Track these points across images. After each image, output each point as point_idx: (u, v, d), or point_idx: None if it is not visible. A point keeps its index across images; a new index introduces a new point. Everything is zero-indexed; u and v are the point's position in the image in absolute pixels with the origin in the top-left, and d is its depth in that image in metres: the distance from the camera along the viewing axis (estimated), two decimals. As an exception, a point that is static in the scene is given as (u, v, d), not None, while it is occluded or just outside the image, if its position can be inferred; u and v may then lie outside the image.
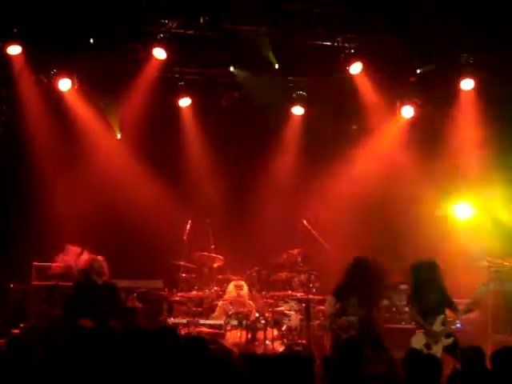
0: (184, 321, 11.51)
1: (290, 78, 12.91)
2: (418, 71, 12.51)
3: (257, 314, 11.49)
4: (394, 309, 12.38)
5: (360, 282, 10.66)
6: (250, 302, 11.81)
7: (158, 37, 11.75)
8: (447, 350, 9.96)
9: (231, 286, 11.94)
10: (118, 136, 13.18)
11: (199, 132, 13.47)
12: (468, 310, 10.39)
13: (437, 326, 10.13)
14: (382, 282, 10.97)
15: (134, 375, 6.33)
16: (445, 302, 10.36)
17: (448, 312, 10.33)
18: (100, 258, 10.86)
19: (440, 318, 10.18)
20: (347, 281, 10.79)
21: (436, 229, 12.93)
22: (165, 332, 7.22)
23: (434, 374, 6.45)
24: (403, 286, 12.05)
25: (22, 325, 11.56)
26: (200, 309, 11.90)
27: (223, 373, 6.37)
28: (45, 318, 11.37)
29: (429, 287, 10.38)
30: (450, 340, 10.10)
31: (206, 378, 6.30)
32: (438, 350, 9.90)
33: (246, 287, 11.95)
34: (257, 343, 11.34)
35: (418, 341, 10.13)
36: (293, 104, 13.21)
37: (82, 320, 10.38)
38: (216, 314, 11.87)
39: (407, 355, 6.76)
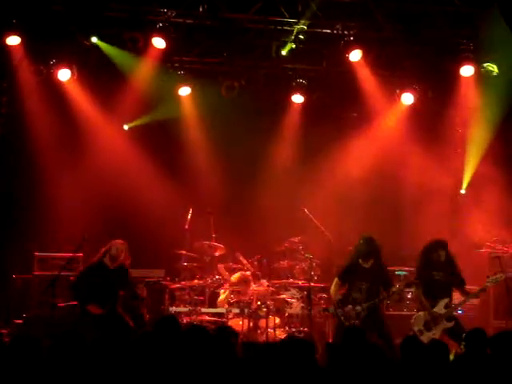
0: (186, 309, 11.55)
1: (290, 65, 12.89)
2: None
3: (259, 302, 11.52)
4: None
5: (369, 263, 10.54)
6: (252, 287, 11.83)
7: (157, 26, 11.74)
8: (448, 332, 9.96)
9: (237, 278, 11.97)
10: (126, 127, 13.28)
11: (199, 121, 13.47)
12: (476, 296, 10.39)
13: (439, 309, 10.11)
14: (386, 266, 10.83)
15: (138, 366, 6.36)
16: (454, 282, 10.33)
17: (456, 293, 10.31)
18: (120, 241, 10.82)
19: (444, 300, 10.16)
20: (354, 262, 10.64)
21: (438, 215, 12.94)
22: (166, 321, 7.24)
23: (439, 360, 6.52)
24: (402, 273, 12.07)
25: (24, 315, 11.60)
26: (202, 297, 11.93)
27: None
28: (47, 308, 11.39)
29: (437, 266, 10.34)
30: (452, 323, 10.09)
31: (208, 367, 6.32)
32: (437, 332, 9.92)
33: (251, 279, 11.97)
34: (259, 331, 11.39)
35: (419, 321, 10.14)
36: (293, 92, 13.21)
37: (90, 306, 10.42)
38: (219, 302, 11.93)
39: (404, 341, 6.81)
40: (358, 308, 10.30)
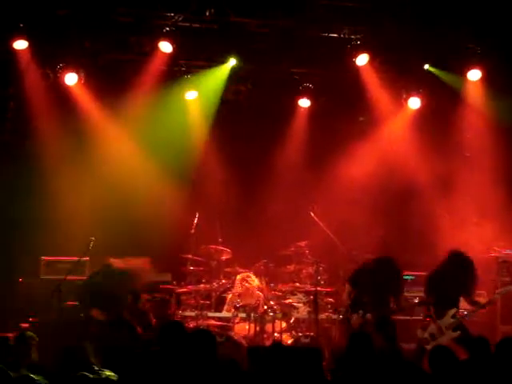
0: (192, 314, 11.55)
1: (296, 70, 12.89)
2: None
3: (265, 307, 11.51)
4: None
5: (380, 282, 10.51)
6: (259, 294, 11.82)
7: (164, 30, 11.75)
8: (457, 341, 9.87)
9: (238, 280, 11.95)
10: None
11: (206, 125, 13.47)
12: (484, 307, 10.28)
13: (447, 319, 10.07)
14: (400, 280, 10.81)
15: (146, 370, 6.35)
16: (462, 293, 10.27)
17: (463, 303, 10.25)
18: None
19: (452, 311, 10.10)
20: (366, 266, 10.68)
21: (447, 220, 12.91)
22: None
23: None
24: (409, 278, 12.03)
25: (30, 319, 11.60)
26: (208, 302, 11.92)
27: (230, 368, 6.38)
28: (54, 312, 11.40)
29: (448, 278, 10.28)
30: (457, 333, 10.02)
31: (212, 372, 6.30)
32: (443, 342, 9.84)
33: (255, 279, 11.94)
34: (265, 335, 11.36)
35: (425, 330, 10.09)
36: (299, 96, 13.20)
37: (94, 311, 10.46)
38: (226, 307, 11.90)
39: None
40: (368, 316, 10.27)
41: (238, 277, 12.01)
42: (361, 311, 10.32)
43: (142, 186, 13.05)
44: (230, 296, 11.96)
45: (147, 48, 12.04)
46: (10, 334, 11.09)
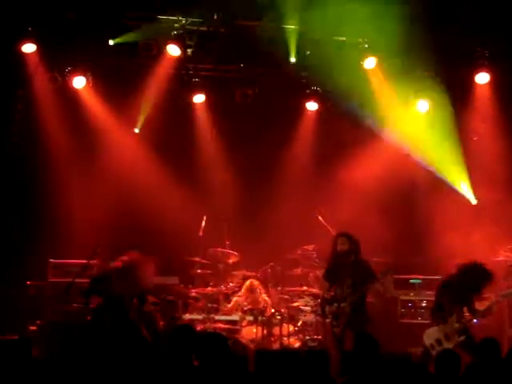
0: (200, 317, 11.55)
1: (304, 73, 12.89)
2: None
3: (272, 310, 11.51)
4: (409, 304, 12.37)
5: (350, 259, 10.50)
6: (266, 298, 11.82)
7: (172, 34, 11.77)
8: (461, 346, 9.83)
9: (244, 289, 11.92)
10: (136, 130, 13.17)
11: (213, 128, 13.49)
12: (485, 315, 10.22)
13: (451, 323, 10.04)
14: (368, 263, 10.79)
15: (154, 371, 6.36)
16: (465, 300, 10.22)
17: (465, 310, 10.21)
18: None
19: (455, 315, 10.06)
20: (336, 260, 10.62)
21: (453, 222, 12.89)
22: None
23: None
24: (417, 281, 12.01)
25: (38, 322, 11.63)
26: (215, 305, 11.92)
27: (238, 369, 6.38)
28: (61, 315, 11.42)
29: (456, 286, 10.22)
30: (463, 337, 9.98)
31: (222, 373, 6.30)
32: (449, 347, 9.79)
33: (260, 287, 11.90)
34: (273, 339, 11.36)
35: (430, 336, 10.06)
36: (307, 99, 13.20)
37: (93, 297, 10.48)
38: (230, 306, 11.87)
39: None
40: (343, 304, 10.28)
41: (244, 286, 11.95)
42: (335, 303, 10.32)
43: (149, 189, 13.07)
44: (235, 299, 11.94)
45: (155, 51, 12.06)
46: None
